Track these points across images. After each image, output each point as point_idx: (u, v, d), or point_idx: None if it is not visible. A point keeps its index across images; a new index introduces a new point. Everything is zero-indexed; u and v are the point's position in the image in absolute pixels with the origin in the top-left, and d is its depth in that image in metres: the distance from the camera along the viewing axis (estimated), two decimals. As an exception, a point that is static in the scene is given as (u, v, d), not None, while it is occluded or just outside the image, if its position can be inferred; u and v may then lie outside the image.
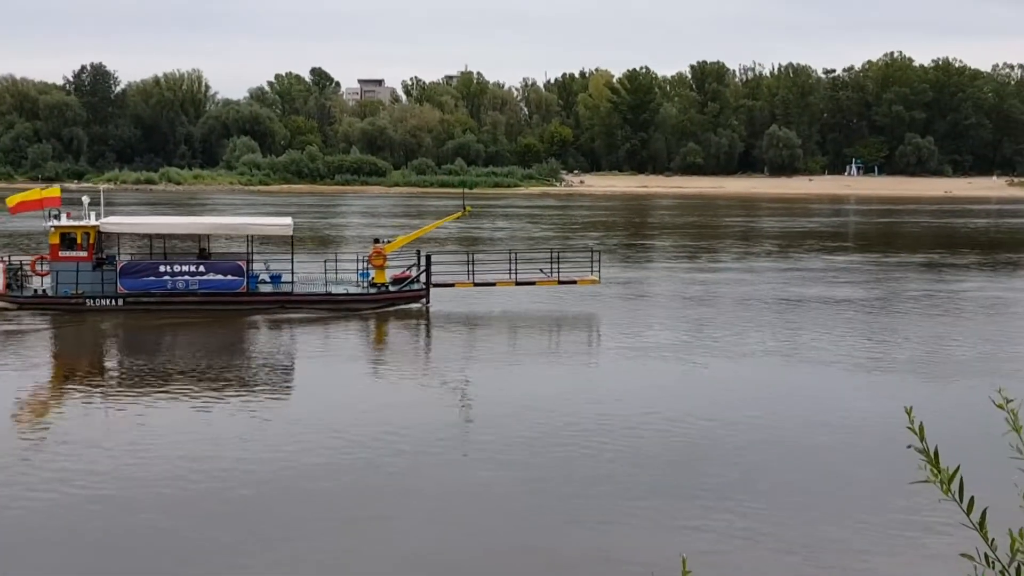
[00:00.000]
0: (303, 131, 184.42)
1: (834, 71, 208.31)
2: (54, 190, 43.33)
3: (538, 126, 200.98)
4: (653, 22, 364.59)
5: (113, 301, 40.21)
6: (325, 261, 43.90)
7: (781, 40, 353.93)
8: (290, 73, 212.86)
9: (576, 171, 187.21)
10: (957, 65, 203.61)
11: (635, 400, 27.44)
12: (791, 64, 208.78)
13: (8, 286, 40.55)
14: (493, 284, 43.89)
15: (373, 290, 42.33)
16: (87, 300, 40.15)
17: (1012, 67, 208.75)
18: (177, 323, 39.04)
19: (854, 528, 18.38)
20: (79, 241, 40.52)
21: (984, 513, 3.81)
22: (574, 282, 44.44)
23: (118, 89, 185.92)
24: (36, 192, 43.28)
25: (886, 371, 31.80)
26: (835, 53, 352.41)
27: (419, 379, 31.76)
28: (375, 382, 31.38)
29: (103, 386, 30.41)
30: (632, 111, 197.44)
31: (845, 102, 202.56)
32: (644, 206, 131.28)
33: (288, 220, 44.16)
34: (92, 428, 25.26)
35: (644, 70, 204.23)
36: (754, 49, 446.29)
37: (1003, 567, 3.76)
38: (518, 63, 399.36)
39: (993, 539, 3.80)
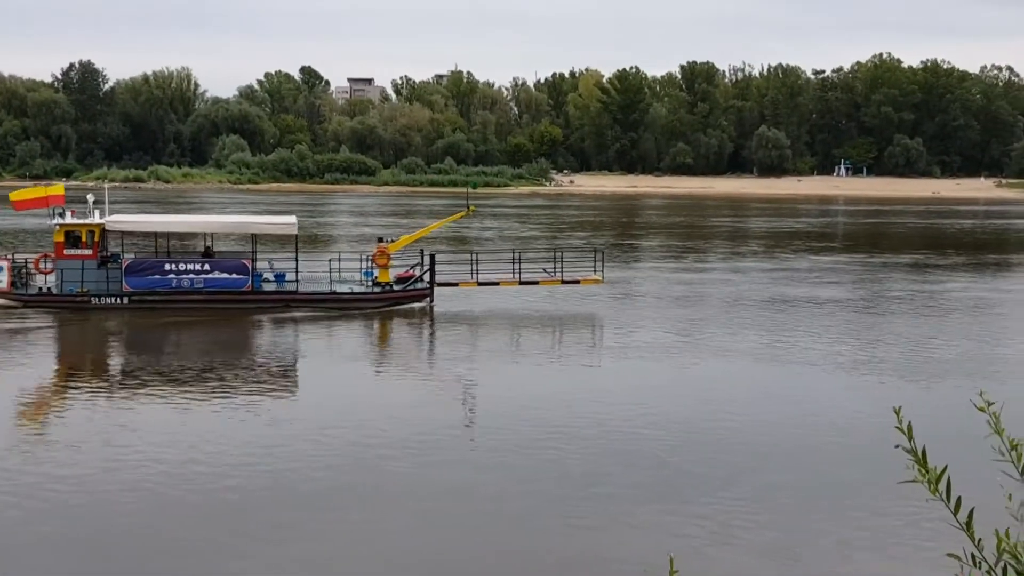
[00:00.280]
0: (292, 130, 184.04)
1: (823, 72, 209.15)
2: (58, 187, 43.15)
3: (528, 126, 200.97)
4: (643, 22, 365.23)
5: (118, 299, 40.13)
6: (330, 260, 43.84)
7: (771, 41, 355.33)
8: (279, 71, 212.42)
9: (566, 171, 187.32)
10: (946, 67, 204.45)
11: (630, 400, 27.47)
12: (780, 65, 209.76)
13: (13, 284, 40.41)
14: (497, 283, 43.90)
15: (377, 289, 42.31)
16: (92, 298, 40.07)
17: (1000, 68, 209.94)
18: (182, 322, 38.96)
19: (843, 528, 18.43)
20: (84, 239, 40.43)
21: (971, 513, 3.83)
22: (577, 282, 44.48)
23: (107, 87, 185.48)
24: (41, 189, 43.12)
25: (872, 371, 31.79)
26: (824, 54, 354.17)
27: (422, 379, 31.78)
28: (379, 381, 31.38)
29: (107, 384, 30.37)
30: (622, 111, 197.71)
31: (834, 103, 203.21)
32: (633, 206, 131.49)
33: (292, 219, 44.14)
34: (95, 426, 25.18)
35: (634, 70, 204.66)
36: (744, 50, 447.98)
37: (990, 567, 3.76)
38: (508, 63, 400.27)
39: (980, 539, 3.80)
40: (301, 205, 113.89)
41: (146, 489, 20.07)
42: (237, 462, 21.78)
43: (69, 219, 40.93)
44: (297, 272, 41.96)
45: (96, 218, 41.23)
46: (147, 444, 22.93)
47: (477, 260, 43.71)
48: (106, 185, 54.31)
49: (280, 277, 42.08)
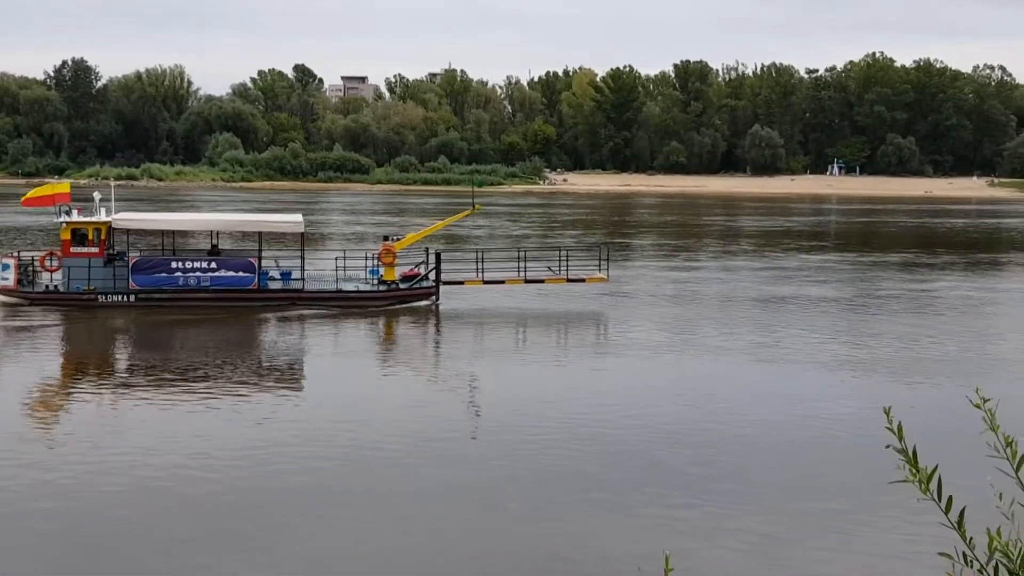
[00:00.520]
0: (286, 128, 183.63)
1: (816, 71, 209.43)
2: (64, 185, 43.12)
3: (521, 124, 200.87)
4: (637, 21, 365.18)
5: (125, 297, 40.09)
6: (336, 258, 43.84)
7: (764, 40, 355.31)
8: (273, 70, 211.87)
9: (559, 169, 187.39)
10: (938, 66, 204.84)
11: (630, 400, 27.49)
12: (774, 64, 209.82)
13: (19, 281, 40.34)
14: (502, 282, 43.96)
15: (383, 287, 42.31)
16: (98, 296, 40.03)
17: (993, 68, 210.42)
18: (188, 320, 38.93)
19: (835, 527, 18.47)
20: (91, 237, 40.39)
21: (962, 512, 3.84)
22: (583, 280, 44.56)
23: (99, 84, 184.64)
24: (48, 187, 43.08)
25: (861, 370, 31.79)
26: (818, 53, 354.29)
27: (427, 378, 31.86)
28: (383, 380, 31.30)
29: (114, 382, 30.29)
30: (615, 110, 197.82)
31: (827, 102, 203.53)
32: (626, 204, 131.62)
33: (299, 217, 44.12)
34: (100, 424, 25.18)
35: (628, 69, 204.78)
36: (737, 49, 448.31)
37: (981, 566, 3.79)
38: (502, 61, 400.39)
39: (971, 538, 3.82)
40: (294, 203, 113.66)
41: (148, 488, 20.04)
42: (240, 461, 21.73)
43: (76, 217, 40.88)
44: (303, 270, 41.97)
45: (103, 216, 41.18)
46: (151, 442, 22.88)
47: (482, 259, 43.78)
48: (113, 183, 54.30)
49: (286, 275, 42.07)
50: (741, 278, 54.26)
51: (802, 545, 17.85)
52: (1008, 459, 3.89)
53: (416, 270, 43.55)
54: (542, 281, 44.42)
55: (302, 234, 42.89)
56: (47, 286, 40.94)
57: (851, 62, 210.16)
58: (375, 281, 42.70)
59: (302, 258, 42.19)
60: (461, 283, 43.42)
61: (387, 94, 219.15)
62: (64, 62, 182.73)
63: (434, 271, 42.61)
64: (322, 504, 19.35)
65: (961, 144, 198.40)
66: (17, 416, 25.75)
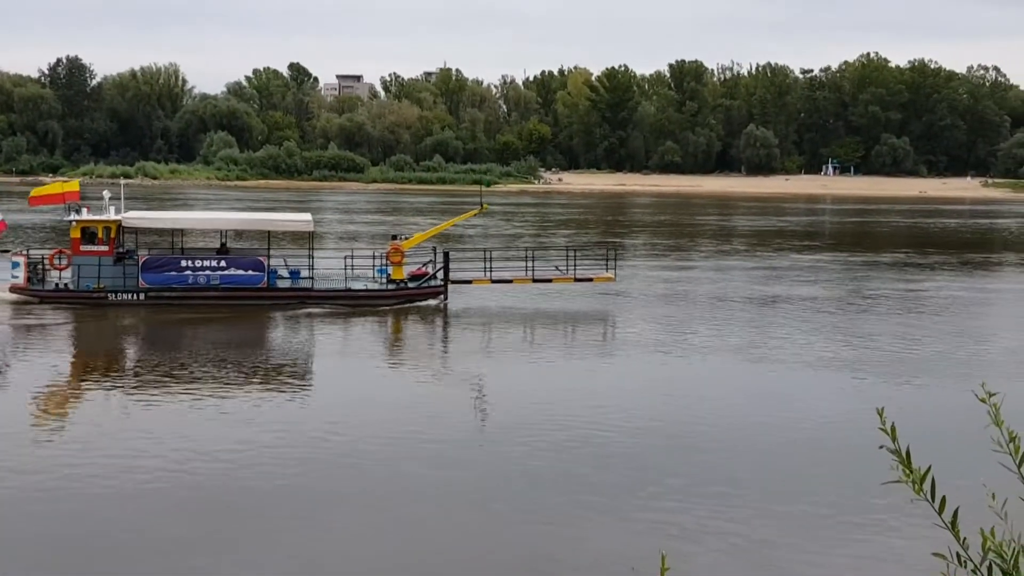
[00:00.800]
0: (281, 126, 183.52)
1: (811, 71, 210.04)
2: (74, 184, 43.07)
3: (517, 123, 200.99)
4: (632, 21, 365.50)
5: (134, 296, 40.07)
6: (344, 257, 43.82)
7: (759, 40, 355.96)
8: (268, 68, 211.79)
9: (554, 169, 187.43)
10: (933, 66, 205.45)
11: (628, 400, 27.51)
12: (769, 64, 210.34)
13: (29, 280, 40.30)
14: (510, 281, 44.00)
15: (392, 286, 42.34)
16: (108, 294, 40.01)
17: (987, 68, 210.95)
18: (198, 318, 38.90)
19: (827, 527, 18.50)
20: (100, 235, 40.38)
21: (956, 512, 3.86)
22: (590, 279, 44.62)
23: (94, 82, 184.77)
24: (56, 186, 43.04)
25: (852, 370, 31.81)
26: (812, 53, 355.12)
27: (434, 377, 31.86)
28: (391, 380, 31.19)
29: (122, 381, 30.19)
30: (610, 109, 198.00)
31: (822, 102, 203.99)
32: (621, 204, 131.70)
33: (308, 216, 44.16)
34: (106, 422, 25.11)
35: (623, 68, 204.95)
36: (732, 49, 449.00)
37: (975, 566, 3.80)
38: (497, 60, 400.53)
39: (965, 538, 3.82)
40: (289, 202, 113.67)
41: (148, 487, 20.01)
42: (242, 461, 21.66)
43: (85, 215, 40.85)
44: (312, 269, 41.99)
45: (112, 214, 41.15)
46: (157, 441, 22.84)
47: (491, 258, 43.82)
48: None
49: (295, 274, 42.09)
50: (733, 278, 54.33)
51: (794, 548, 17.78)
52: (1011, 454, 3.92)
53: (424, 269, 43.58)
54: (550, 280, 44.44)
55: (311, 233, 42.89)
56: (57, 284, 40.90)
57: (846, 62, 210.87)
58: (384, 280, 42.71)
59: (311, 257, 42.18)
60: (469, 282, 43.47)
61: (382, 93, 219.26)
62: (59, 60, 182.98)
63: (443, 270, 42.64)
64: (316, 505, 19.28)
65: (955, 144, 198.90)
66: (25, 414, 25.68)
